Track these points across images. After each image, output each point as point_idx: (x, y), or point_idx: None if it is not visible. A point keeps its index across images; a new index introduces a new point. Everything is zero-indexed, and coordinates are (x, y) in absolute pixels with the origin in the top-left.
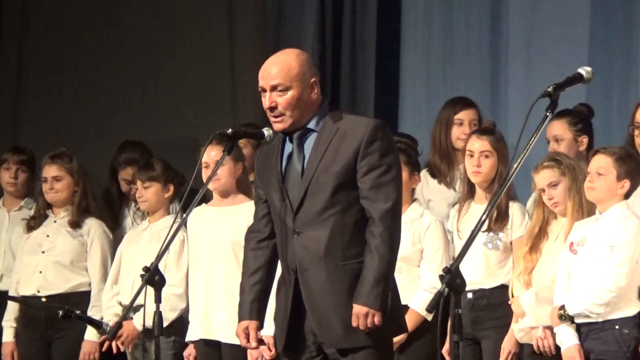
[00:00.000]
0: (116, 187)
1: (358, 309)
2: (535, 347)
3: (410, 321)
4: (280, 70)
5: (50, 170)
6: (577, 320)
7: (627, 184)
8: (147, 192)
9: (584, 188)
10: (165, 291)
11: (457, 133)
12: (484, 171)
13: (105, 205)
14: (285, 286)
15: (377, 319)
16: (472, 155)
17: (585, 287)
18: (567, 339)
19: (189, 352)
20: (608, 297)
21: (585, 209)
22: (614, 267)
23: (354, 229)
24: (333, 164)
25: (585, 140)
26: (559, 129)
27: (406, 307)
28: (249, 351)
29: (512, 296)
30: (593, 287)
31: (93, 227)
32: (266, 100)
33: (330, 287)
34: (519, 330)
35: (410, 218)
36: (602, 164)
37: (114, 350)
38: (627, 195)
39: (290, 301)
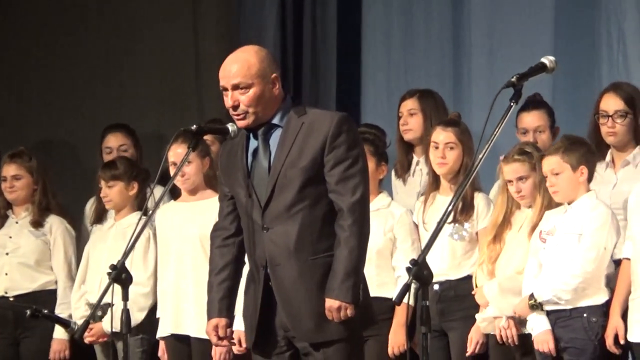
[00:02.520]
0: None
1: (330, 303)
2: (498, 337)
3: (403, 316)
4: (240, 69)
5: (9, 169)
6: (546, 308)
7: (584, 169)
8: (111, 192)
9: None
10: (132, 291)
11: (401, 125)
12: (449, 163)
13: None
14: (254, 282)
15: (349, 312)
16: (437, 147)
17: (553, 274)
18: (539, 325)
19: (162, 350)
20: (575, 283)
21: (554, 204)
22: (582, 252)
23: (323, 222)
24: (300, 158)
25: (558, 130)
26: (541, 119)
27: (390, 302)
28: (214, 347)
29: (476, 286)
30: (561, 273)
31: (55, 224)
32: (228, 100)
33: (302, 282)
34: (482, 320)
35: (377, 207)
36: (553, 164)
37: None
38: (589, 179)
39: (260, 297)
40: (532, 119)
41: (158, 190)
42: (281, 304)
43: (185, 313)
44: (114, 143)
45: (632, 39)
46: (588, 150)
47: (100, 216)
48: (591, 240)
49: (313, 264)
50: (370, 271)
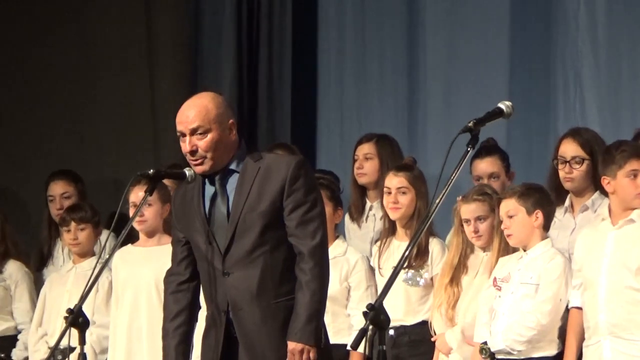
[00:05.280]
0: (48, 217)
1: (293, 346)
2: None
3: None
4: (198, 113)
5: None
6: (498, 357)
7: (539, 214)
8: (82, 235)
9: None
10: (94, 333)
11: (356, 168)
12: (402, 208)
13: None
14: (215, 327)
15: (312, 355)
16: (389, 192)
17: (508, 324)
18: None
19: None
20: (530, 335)
21: (511, 248)
22: (538, 305)
23: (284, 266)
24: (259, 203)
25: (513, 174)
26: (495, 166)
27: (345, 349)
28: None
29: (433, 330)
30: (515, 324)
31: (14, 269)
32: (186, 145)
33: (265, 326)
34: None
35: (334, 255)
36: (509, 207)
37: None
38: (546, 227)
39: (221, 341)
40: (485, 166)
41: (112, 237)
42: (244, 348)
43: (138, 358)
44: (56, 191)
45: (589, 85)
46: (544, 197)
47: (45, 261)
48: (548, 293)
49: (275, 308)
50: (325, 318)
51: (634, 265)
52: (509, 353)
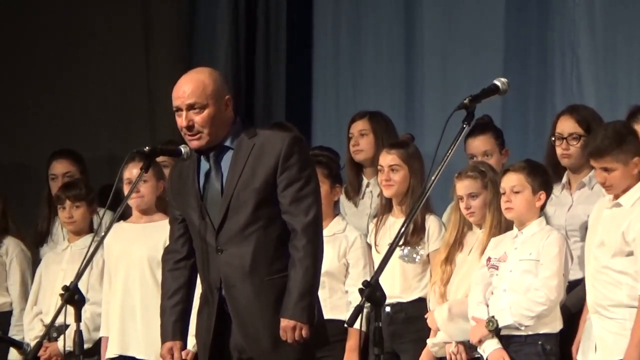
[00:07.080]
0: (48, 194)
1: (285, 323)
2: None
3: (355, 339)
4: (195, 89)
5: None
6: (504, 333)
7: (543, 195)
8: (77, 213)
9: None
10: (88, 310)
11: (352, 146)
12: (395, 185)
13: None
14: (207, 304)
15: (304, 332)
16: (382, 170)
17: (513, 299)
18: (490, 345)
19: None
20: (539, 310)
21: (504, 225)
22: (544, 281)
23: (278, 243)
24: (253, 180)
25: (507, 152)
26: (488, 143)
27: (342, 325)
28: None
29: (429, 307)
30: (523, 300)
31: (11, 246)
32: (183, 120)
33: (257, 302)
34: (433, 345)
35: (333, 232)
36: (515, 182)
37: None
38: (543, 208)
39: (214, 318)
40: (478, 144)
41: (108, 214)
42: (237, 325)
43: (132, 334)
44: (59, 170)
45: (585, 61)
46: (548, 179)
47: (44, 238)
48: (552, 268)
49: (268, 285)
50: (323, 294)
51: (612, 248)
52: (517, 328)
